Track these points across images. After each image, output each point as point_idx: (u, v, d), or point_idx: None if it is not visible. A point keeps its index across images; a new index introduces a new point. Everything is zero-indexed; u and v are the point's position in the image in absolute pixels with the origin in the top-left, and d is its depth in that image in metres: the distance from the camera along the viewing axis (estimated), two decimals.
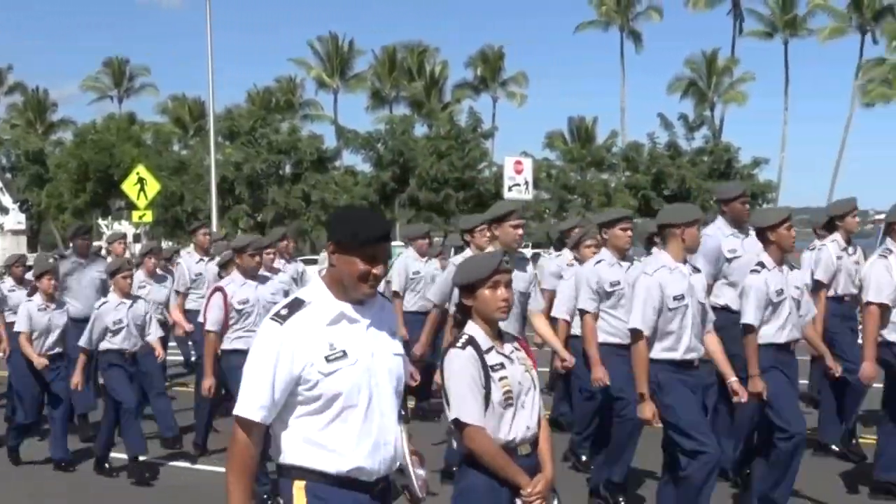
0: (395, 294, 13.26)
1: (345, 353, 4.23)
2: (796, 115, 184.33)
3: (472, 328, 5.24)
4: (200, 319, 10.88)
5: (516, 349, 5.33)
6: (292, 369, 4.18)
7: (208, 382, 9.95)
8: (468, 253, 9.43)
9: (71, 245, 13.96)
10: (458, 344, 5.18)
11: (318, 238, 52.51)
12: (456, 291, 5.48)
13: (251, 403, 4.20)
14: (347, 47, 79.90)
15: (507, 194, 29.66)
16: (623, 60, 78.33)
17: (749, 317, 8.04)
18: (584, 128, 70.74)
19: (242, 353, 8.99)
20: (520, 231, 8.56)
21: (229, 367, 9.70)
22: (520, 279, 8.50)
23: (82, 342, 10.90)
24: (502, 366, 5.16)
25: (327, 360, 4.21)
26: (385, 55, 77.92)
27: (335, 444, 4.24)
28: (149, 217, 31.03)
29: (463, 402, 5.08)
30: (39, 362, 11.18)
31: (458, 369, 5.12)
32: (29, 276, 13.73)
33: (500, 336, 5.30)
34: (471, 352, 5.14)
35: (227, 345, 9.89)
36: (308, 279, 12.49)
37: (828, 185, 79.46)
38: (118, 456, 11.11)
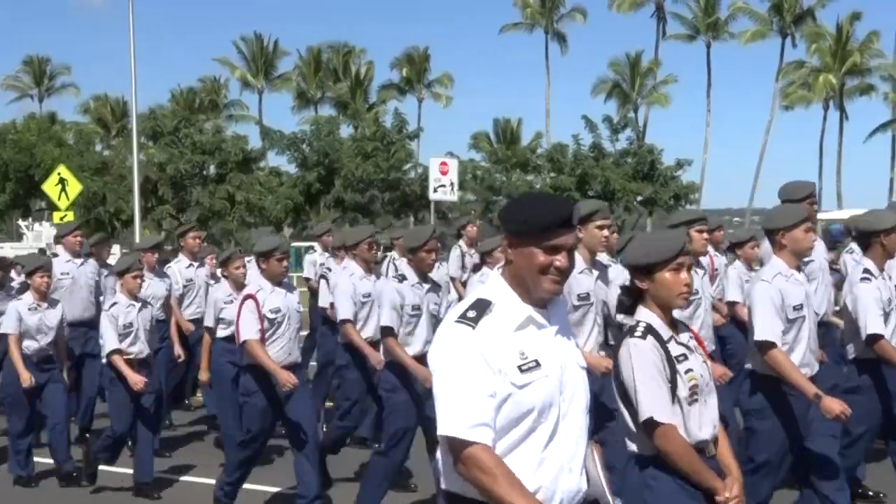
0: None
1: (538, 364, 3.63)
2: (719, 117, 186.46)
3: (647, 315, 4.76)
4: (209, 323, 10.87)
5: (691, 338, 4.86)
6: (492, 380, 3.57)
7: (284, 376, 8.61)
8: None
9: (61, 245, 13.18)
10: (637, 333, 4.68)
11: (245, 239, 52.13)
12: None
13: (469, 421, 3.51)
14: (272, 47, 79.61)
15: (432, 195, 29.69)
16: (548, 62, 78.93)
17: (876, 326, 7.47)
18: (509, 129, 71.13)
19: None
20: (605, 232, 7.61)
21: (248, 385, 8.86)
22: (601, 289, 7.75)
23: (110, 348, 9.86)
24: (685, 357, 4.69)
25: (520, 370, 3.61)
26: (310, 55, 77.71)
27: (515, 469, 3.59)
28: (70, 218, 30.59)
29: (653, 398, 4.56)
30: (25, 378, 10.36)
31: (643, 362, 4.59)
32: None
33: (674, 325, 4.82)
34: (652, 342, 4.64)
35: (249, 359, 8.86)
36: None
37: (749, 186, 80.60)
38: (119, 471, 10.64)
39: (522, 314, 3.68)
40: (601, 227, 7.52)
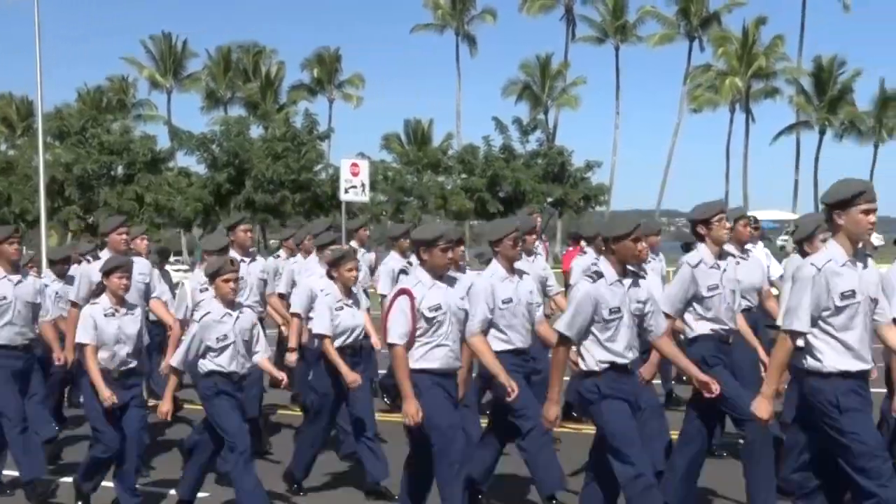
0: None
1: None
2: (628, 119, 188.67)
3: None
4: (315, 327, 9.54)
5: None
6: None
7: (412, 408, 7.34)
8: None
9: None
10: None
11: (156, 241, 51.61)
12: None
13: None
14: (181, 47, 78.73)
15: (343, 196, 29.63)
16: (458, 63, 79.00)
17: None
18: (420, 130, 71.11)
19: (433, 374, 7.47)
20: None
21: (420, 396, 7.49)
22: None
23: (176, 362, 8.69)
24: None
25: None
26: (220, 55, 77.01)
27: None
28: None
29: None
30: (106, 396, 8.68)
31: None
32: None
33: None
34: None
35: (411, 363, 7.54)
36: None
37: (658, 187, 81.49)
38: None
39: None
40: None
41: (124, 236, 10.70)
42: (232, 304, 8.63)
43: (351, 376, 9.10)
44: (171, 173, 57.78)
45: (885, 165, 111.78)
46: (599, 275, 6.90)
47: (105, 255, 10.66)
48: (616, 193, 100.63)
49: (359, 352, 9.67)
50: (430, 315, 7.45)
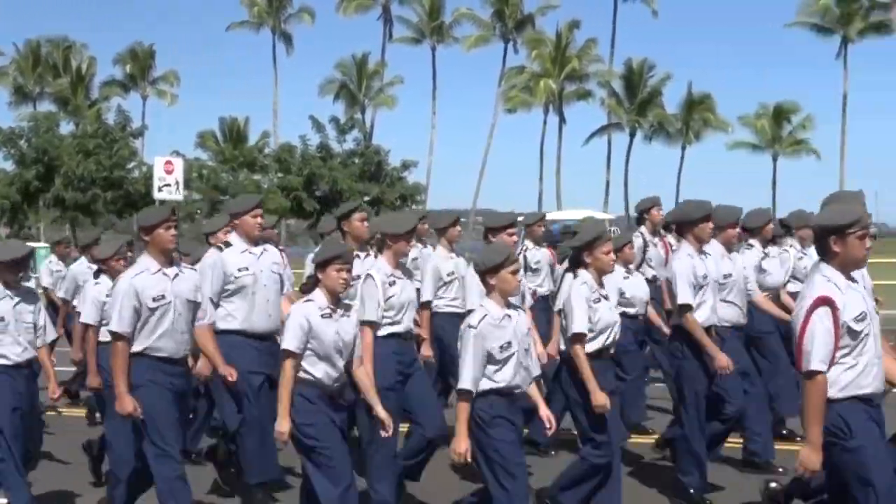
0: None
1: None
2: (444, 119, 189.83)
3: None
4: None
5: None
6: None
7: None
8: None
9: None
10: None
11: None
12: None
13: None
14: None
15: (157, 195, 29.22)
16: (275, 62, 78.54)
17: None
18: (235, 128, 70.35)
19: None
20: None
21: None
22: None
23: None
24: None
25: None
26: (28, 49, 74.95)
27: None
28: None
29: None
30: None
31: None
32: None
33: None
34: None
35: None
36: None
37: (474, 187, 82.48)
38: None
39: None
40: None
41: None
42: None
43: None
44: None
45: (691, 166, 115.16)
46: None
47: None
48: (432, 193, 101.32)
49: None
50: (857, 328, 5.76)
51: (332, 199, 54.20)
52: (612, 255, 7.76)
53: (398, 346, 8.08)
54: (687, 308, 8.45)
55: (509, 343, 6.61)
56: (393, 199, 55.73)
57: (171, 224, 7.38)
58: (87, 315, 9.18)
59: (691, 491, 8.53)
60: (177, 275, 7.50)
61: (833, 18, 70.54)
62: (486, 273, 6.67)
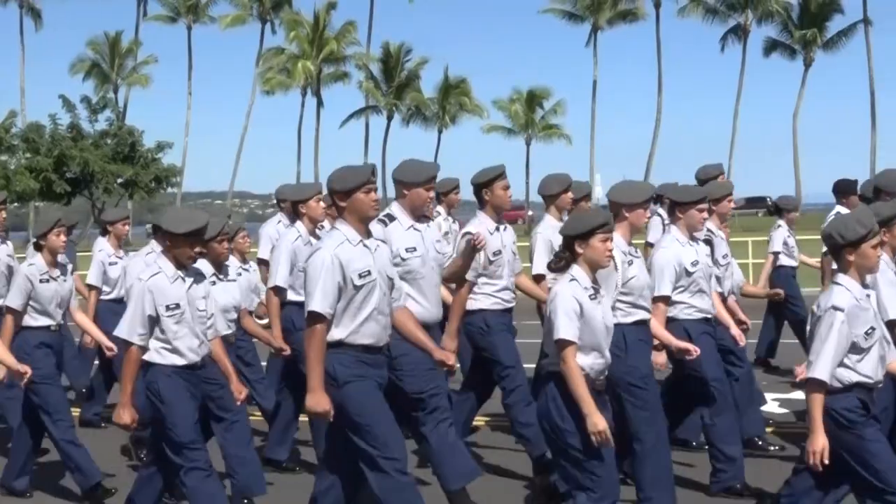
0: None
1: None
2: (201, 100, 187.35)
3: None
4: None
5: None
6: None
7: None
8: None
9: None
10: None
11: None
12: None
13: None
14: None
15: None
16: (22, 37, 75.68)
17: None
18: None
19: None
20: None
21: None
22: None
23: None
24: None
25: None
26: None
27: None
28: None
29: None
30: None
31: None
32: None
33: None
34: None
35: None
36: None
37: (231, 170, 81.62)
38: None
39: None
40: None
41: None
42: None
43: None
44: None
45: (448, 149, 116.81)
46: None
47: None
48: (189, 175, 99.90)
49: None
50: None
51: (84, 181, 52.67)
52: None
53: None
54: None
55: None
56: (147, 181, 54.58)
57: (372, 187, 6.24)
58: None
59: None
60: (377, 247, 6.37)
61: (584, 6, 72.66)
62: (847, 247, 5.82)
